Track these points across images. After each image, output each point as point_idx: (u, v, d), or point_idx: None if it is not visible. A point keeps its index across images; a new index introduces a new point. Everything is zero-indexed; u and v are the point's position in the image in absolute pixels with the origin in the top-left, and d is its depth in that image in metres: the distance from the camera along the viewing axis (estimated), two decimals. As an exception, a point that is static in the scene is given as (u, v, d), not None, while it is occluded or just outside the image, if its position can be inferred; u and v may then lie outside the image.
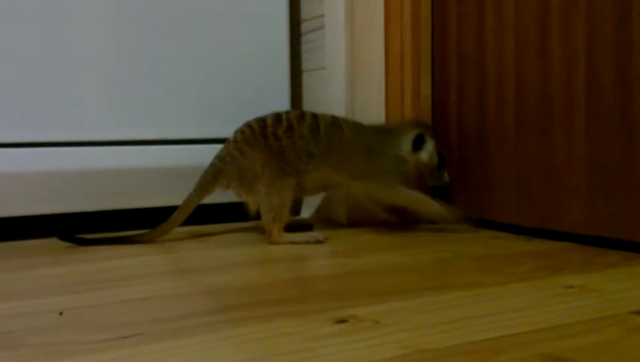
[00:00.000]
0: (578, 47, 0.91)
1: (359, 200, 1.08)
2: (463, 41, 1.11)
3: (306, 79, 1.31)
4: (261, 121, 1.01)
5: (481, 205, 1.09)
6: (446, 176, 1.07)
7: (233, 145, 1.00)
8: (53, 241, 0.99)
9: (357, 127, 1.05)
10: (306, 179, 1.01)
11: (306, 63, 1.31)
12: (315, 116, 1.02)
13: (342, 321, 0.57)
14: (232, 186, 1.01)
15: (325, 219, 1.20)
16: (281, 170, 0.98)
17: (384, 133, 1.06)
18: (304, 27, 1.31)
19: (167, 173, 1.13)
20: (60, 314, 0.61)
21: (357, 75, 1.16)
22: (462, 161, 1.12)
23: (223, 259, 0.89)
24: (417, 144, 1.04)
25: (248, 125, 1.02)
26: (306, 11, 1.30)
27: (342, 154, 1.02)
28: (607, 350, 0.50)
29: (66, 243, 0.96)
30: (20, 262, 0.90)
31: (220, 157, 1.01)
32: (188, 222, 1.01)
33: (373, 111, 1.15)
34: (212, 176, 1.00)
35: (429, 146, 1.05)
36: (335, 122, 1.03)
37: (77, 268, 0.84)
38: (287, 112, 1.03)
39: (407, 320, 0.57)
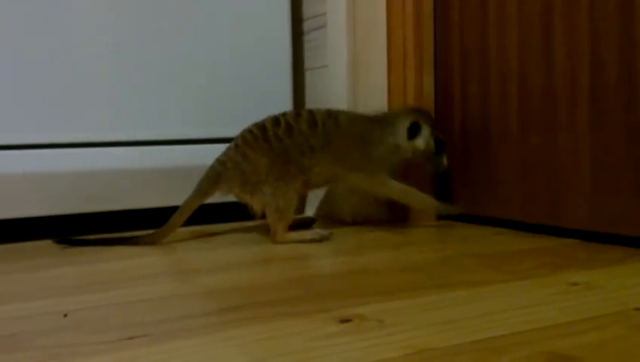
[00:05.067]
0: (582, 42, 0.91)
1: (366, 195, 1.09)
2: (466, 36, 1.11)
3: (308, 77, 1.31)
4: (260, 126, 1.01)
5: (485, 201, 1.08)
6: (445, 161, 1.06)
7: (235, 150, 1.01)
8: (53, 243, 0.99)
9: (352, 117, 1.05)
10: (311, 175, 1.01)
11: (309, 61, 1.31)
12: (310, 112, 1.03)
13: (346, 320, 0.57)
14: (234, 191, 1.01)
15: (329, 217, 1.20)
16: (286, 171, 0.98)
17: (379, 122, 1.05)
18: (306, 25, 1.30)
19: (169, 174, 1.13)
20: (65, 316, 0.61)
21: (359, 72, 1.16)
22: (465, 157, 1.12)
23: (225, 259, 0.89)
24: (413, 132, 1.04)
25: (249, 131, 1.02)
26: (308, 10, 1.30)
27: (338, 144, 1.02)
28: (612, 347, 0.50)
29: (65, 245, 0.96)
30: (21, 264, 0.90)
31: (220, 162, 1.01)
32: (190, 222, 1.01)
33: (375, 108, 1.14)
34: (212, 179, 1.00)
35: (425, 133, 1.04)
36: (331, 114, 1.03)
37: (78, 269, 0.84)
38: (283, 114, 1.03)
39: (411, 319, 0.57)
